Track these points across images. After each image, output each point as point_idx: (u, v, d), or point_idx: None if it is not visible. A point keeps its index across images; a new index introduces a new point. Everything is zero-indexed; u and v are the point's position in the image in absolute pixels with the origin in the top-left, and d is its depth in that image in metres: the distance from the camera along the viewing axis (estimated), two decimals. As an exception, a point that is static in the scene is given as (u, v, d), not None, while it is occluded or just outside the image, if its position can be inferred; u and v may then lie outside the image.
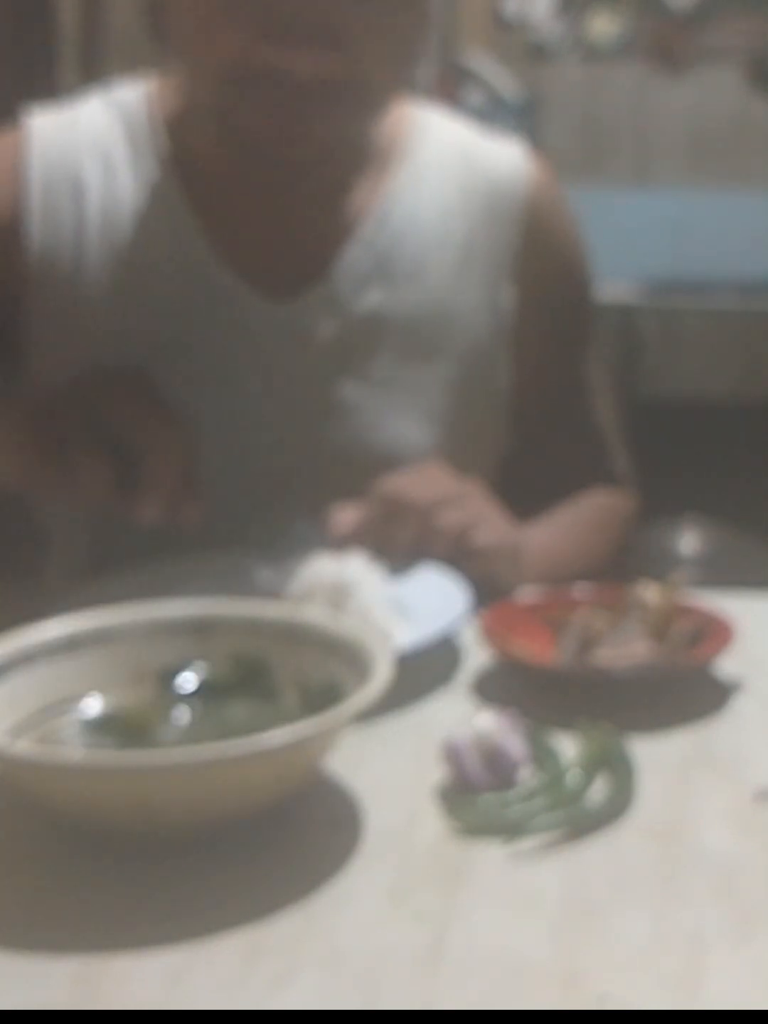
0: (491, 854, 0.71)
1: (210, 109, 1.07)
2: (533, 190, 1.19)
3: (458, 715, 0.87)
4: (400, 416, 1.14)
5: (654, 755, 0.81)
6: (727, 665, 0.92)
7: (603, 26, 3.40)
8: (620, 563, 1.21)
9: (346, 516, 1.00)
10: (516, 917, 0.66)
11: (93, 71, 2.83)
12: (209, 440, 1.08)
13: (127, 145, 1.14)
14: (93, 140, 1.14)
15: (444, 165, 1.18)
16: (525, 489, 1.18)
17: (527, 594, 1.01)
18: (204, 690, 0.81)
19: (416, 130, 1.19)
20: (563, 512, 1.20)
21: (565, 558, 1.15)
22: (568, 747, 0.80)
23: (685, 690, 0.89)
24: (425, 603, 0.95)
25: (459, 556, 0.99)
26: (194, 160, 1.13)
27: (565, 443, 1.24)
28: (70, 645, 0.80)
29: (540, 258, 1.19)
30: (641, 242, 3.25)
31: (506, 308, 1.18)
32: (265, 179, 1.12)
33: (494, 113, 2.98)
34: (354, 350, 1.14)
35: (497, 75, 3.26)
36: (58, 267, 1.12)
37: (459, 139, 1.20)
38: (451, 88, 3.11)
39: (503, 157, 1.20)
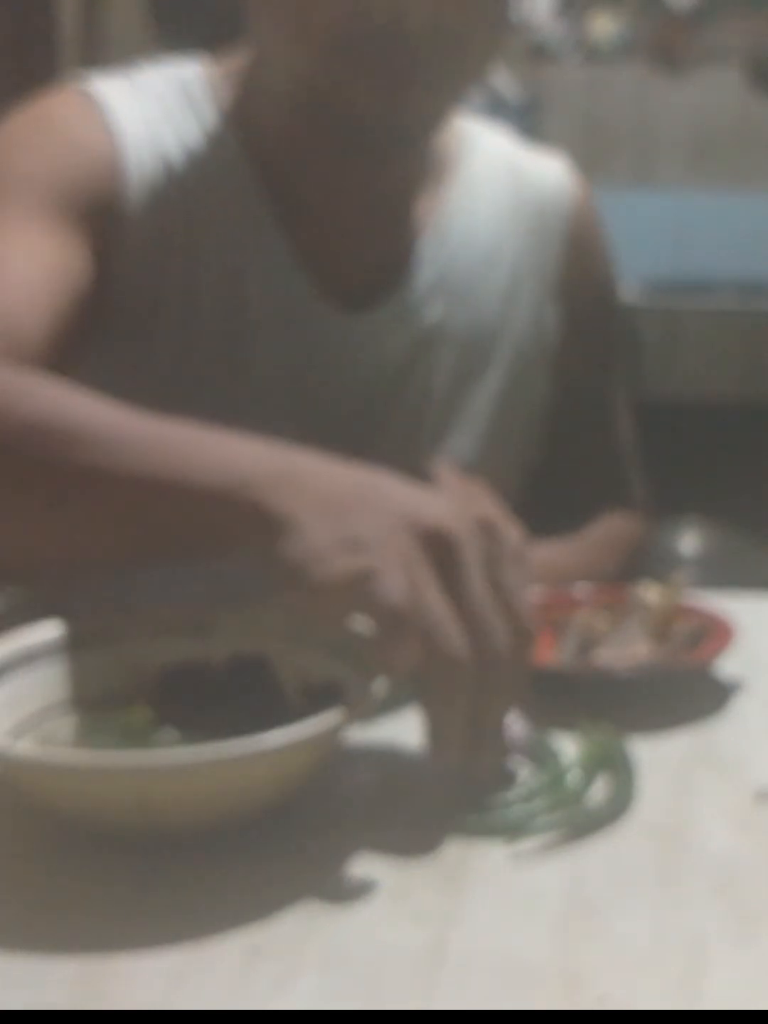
0: (491, 854, 0.71)
1: (311, 85, 1.02)
2: (576, 209, 1.21)
3: (459, 715, 0.87)
4: (453, 431, 1.14)
5: (654, 755, 0.81)
6: (727, 665, 0.91)
7: (604, 26, 3.40)
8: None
9: None
10: (516, 917, 0.66)
11: (93, 71, 2.83)
12: None
13: (197, 124, 1.09)
14: (164, 111, 1.09)
15: (494, 180, 1.18)
16: (544, 506, 1.17)
17: (529, 594, 1.00)
18: (204, 690, 0.81)
19: (463, 141, 1.19)
20: (575, 534, 1.20)
21: (568, 574, 1.15)
22: (568, 747, 0.80)
23: (685, 690, 0.89)
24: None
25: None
26: (269, 154, 1.09)
27: (586, 463, 1.24)
28: (70, 645, 0.80)
29: (579, 277, 1.20)
30: (642, 242, 3.24)
31: (549, 325, 1.19)
32: (342, 183, 1.09)
33: (494, 113, 2.98)
34: (416, 366, 1.13)
35: (498, 75, 3.26)
36: (150, 235, 1.06)
37: (505, 153, 1.21)
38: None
39: (549, 174, 1.21)
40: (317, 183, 1.10)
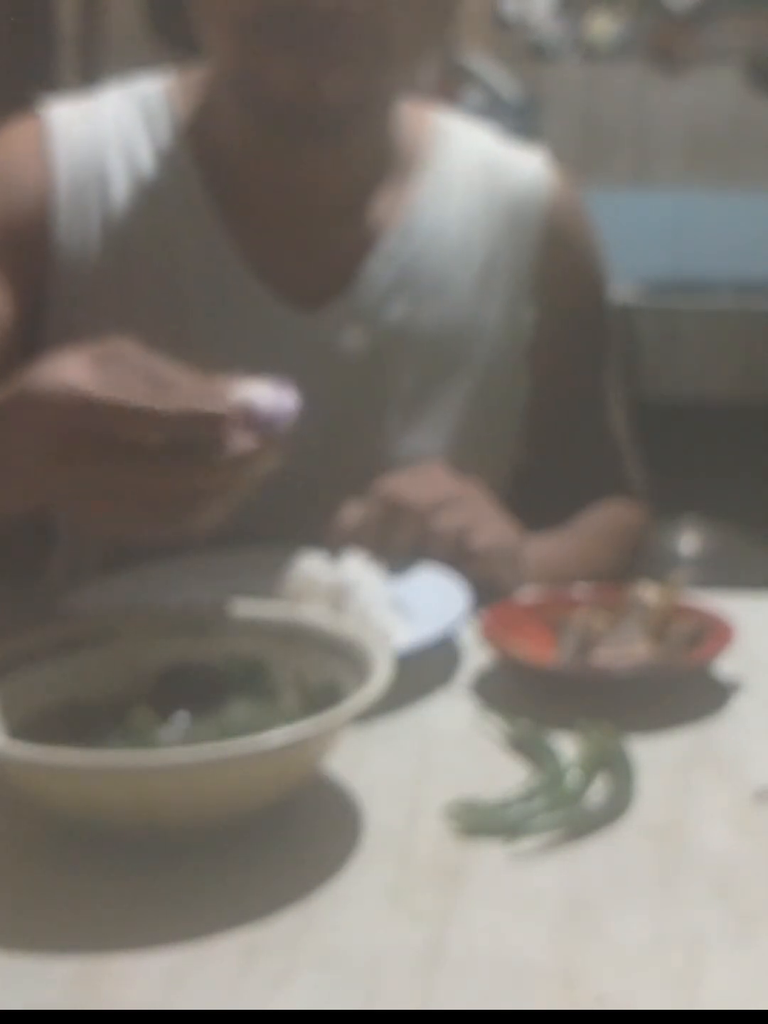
0: (491, 854, 0.71)
1: (232, 73, 1.04)
2: (555, 202, 1.19)
3: (458, 715, 0.87)
4: (419, 429, 1.13)
5: (654, 755, 0.81)
6: (727, 665, 0.92)
7: (603, 26, 3.40)
8: (629, 573, 1.21)
9: (348, 515, 1.00)
10: (516, 917, 0.66)
11: (93, 71, 2.83)
12: None
13: (149, 139, 1.12)
14: (116, 131, 1.12)
15: (467, 176, 1.17)
16: (540, 500, 1.17)
17: (527, 594, 1.01)
18: (204, 690, 0.81)
19: (437, 137, 1.18)
20: (574, 523, 1.20)
21: (570, 566, 1.15)
22: (568, 747, 0.80)
23: (685, 690, 0.90)
24: (425, 603, 0.95)
25: (458, 558, 0.99)
26: (219, 159, 1.11)
27: (581, 455, 1.24)
28: (70, 645, 0.80)
29: (561, 271, 1.19)
30: (640, 242, 3.25)
31: (526, 322, 1.18)
32: (291, 179, 1.10)
33: (494, 113, 2.98)
34: (377, 363, 1.13)
35: (497, 75, 3.26)
36: (83, 262, 1.09)
37: (481, 148, 1.20)
38: (451, 88, 3.11)
39: (525, 168, 1.20)
40: (267, 184, 1.11)
